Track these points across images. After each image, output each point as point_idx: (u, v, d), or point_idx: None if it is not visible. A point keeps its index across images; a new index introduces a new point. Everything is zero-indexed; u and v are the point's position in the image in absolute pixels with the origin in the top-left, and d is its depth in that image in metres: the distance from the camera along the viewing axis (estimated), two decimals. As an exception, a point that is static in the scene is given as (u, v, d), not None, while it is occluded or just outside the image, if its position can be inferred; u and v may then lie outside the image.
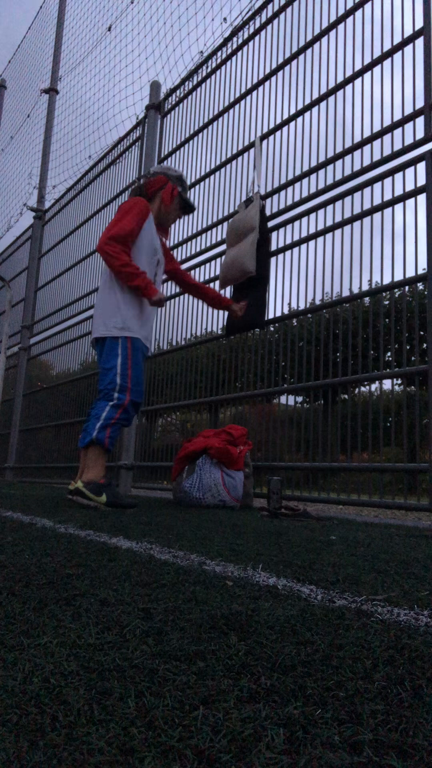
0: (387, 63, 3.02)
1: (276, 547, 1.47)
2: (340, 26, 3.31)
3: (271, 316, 3.50)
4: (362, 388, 3.19)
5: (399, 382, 3.12)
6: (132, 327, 2.81)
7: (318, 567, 1.20)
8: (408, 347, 2.81)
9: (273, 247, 3.57)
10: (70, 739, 0.43)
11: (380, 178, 2.95)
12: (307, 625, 0.75)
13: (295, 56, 3.62)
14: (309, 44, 3.50)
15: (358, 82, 3.16)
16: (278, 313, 3.47)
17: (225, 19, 4.35)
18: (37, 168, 8.02)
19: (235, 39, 4.21)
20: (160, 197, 3.02)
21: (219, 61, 4.34)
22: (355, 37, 3.20)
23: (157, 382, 4.61)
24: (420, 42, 2.84)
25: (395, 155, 2.88)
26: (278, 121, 3.67)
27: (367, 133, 3.05)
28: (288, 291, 3.43)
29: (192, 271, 4.36)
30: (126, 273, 2.75)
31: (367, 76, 3.11)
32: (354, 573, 1.14)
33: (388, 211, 2.90)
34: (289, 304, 3.45)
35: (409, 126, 2.83)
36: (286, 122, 3.61)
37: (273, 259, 3.56)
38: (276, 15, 3.81)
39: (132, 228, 2.80)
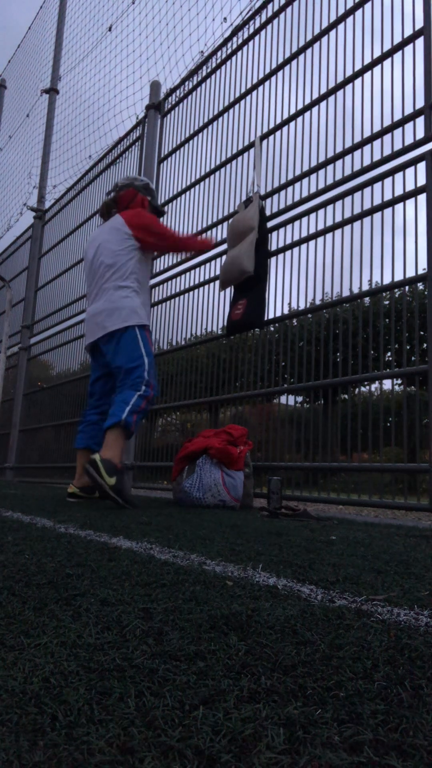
0: (387, 63, 3.02)
1: (276, 547, 1.47)
2: (340, 26, 3.31)
3: (271, 316, 3.50)
4: (362, 388, 3.19)
5: (399, 382, 3.12)
6: (146, 318, 3.04)
7: (318, 567, 1.20)
8: (408, 347, 2.81)
9: (273, 247, 3.57)
10: (70, 739, 0.43)
11: (380, 178, 2.94)
12: (307, 625, 0.75)
13: (295, 56, 3.62)
14: (309, 44, 3.50)
15: (358, 82, 3.16)
16: (278, 313, 3.47)
17: (225, 18, 4.35)
18: (37, 168, 8.02)
19: (235, 39, 4.21)
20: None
21: (219, 61, 4.34)
22: (354, 37, 3.20)
23: (158, 382, 4.61)
24: (420, 42, 2.84)
25: (395, 155, 2.88)
26: (278, 120, 3.67)
27: (367, 133, 3.04)
28: (288, 291, 3.43)
29: (192, 272, 4.36)
30: (183, 244, 3.26)
31: (367, 75, 3.11)
32: (354, 573, 1.14)
33: (388, 211, 2.90)
34: (289, 304, 3.45)
35: (409, 126, 2.83)
36: (286, 122, 3.61)
37: (273, 259, 3.55)
38: (276, 15, 3.81)
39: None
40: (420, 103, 2.78)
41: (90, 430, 3.12)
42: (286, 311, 3.46)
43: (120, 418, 2.68)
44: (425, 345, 2.63)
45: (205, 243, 3.34)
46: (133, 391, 2.79)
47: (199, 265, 4.27)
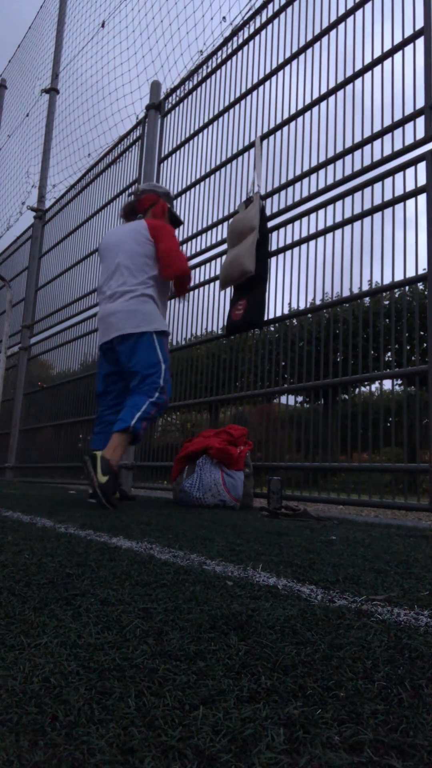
0: (387, 63, 3.02)
1: (276, 547, 1.47)
2: (340, 26, 3.31)
3: (271, 316, 3.50)
4: (362, 388, 3.19)
5: (399, 382, 3.12)
6: (164, 325, 3.02)
7: (318, 567, 1.20)
8: (408, 347, 2.81)
9: (273, 247, 3.57)
10: (70, 739, 0.43)
11: (380, 178, 2.94)
12: (307, 625, 0.75)
13: (295, 56, 3.62)
14: (309, 44, 3.50)
15: (358, 81, 3.16)
16: (278, 313, 3.47)
17: (224, 18, 4.35)
18: (35, 166, 8.02)
19: (235, 39, 4.21)
20: (151, 214, 3.24)
21: (219, 61, 4.35)
22: (355, 37, 3.20)
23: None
24: (420, 42, 2.84)
25: (395, 155, 2.88)
26: (278, 120, 3.67)
27: (367, 133, 3.04)
28: (288, 291, 3.43)
29: (192, 271, 4.36)
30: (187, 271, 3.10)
31: (368, 75, 3.11)
32: (354, 573, 1.14)
33: (388, 211, 2.90)
34: (289, 304, 3.45)
35: (409, 126, 2.83)
36: (286, 122, 3.61)
37: (273, 259, 3.55)
38: (276, 15, 3.81)
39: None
40: (420, 103, 2.78)
41: (109, 431, 3.04)
42: (286, 311, 3.46)
43: (129, 424, 2.69)
44: (425, 345, 2.63)
45: (185, 287, 3.22)
46: (145, 397, 2.79)
47: (199, 265, 4.27)
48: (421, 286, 2.71)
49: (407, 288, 2.78)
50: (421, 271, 2.66)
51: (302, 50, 3.56)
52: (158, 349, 2.91)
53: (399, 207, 2.84)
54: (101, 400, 3.16)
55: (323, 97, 3.36)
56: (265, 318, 3.51)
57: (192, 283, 4.34)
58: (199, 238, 4.32)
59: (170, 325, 4.53)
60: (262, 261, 3.48)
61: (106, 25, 6.45)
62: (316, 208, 3.30)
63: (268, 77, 3.83)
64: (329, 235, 3.20)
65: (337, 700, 0.52)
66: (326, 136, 3.29)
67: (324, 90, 3.36)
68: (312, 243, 3.31)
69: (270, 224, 3.60)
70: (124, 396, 3.05)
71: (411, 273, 2.70)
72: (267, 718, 0.47)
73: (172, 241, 3.06)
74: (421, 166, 2.73)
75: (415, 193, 2.75)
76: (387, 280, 2.85)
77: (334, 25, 3.35)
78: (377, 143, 2.99)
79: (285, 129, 3.62)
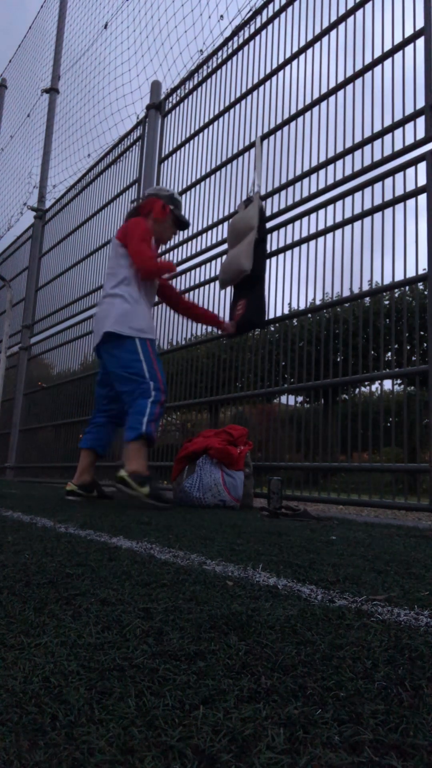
0: (387, 63, 3.02)
1: (276, 547, 1.47)
2: (341, 26, 3.31)
3: (271, 316, 3.50)
4: (362, 389, 3.19)
5: (399, 382, 3.12)
6: (149, 330, 2.95)
7: (318, 567, 1.20)
8: (408, 347, 2.81)
9: (273, 247, 3.57)
10: (70, 739, 0.43)
11: (380, 178, 2.94)
12: (307, 625, 0.75)
13: (295, 56, 3.62)
14: (309, 44, 3.50)
15: (358, 82, 3.16)
16: (278, 313, 3.47)
17: (222, 16, 4.35)
18: (38, 167, 8.02)
19: (235, 39, 4.21)
20: (152, 216, 3.15)
21: (219, 61, 4.35)
22: (355, 36, 3.20)
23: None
24: (420, 42, 2.84)
25: (395, 155, 2.88)
26: (278, 120, 3.67)
27: (367, 133, 3.04)
28: (288, 291, 3.43)
29: (192, 271, 4.36)
30: (157, 269, 3.00)
31: (368, 75, 3.11)
32: (354, 573, 1.14)
33: (388, 212, 2.90)
34: (290, 304, 3.45)
35: (409, 126, 2.83)
36: (286, 122, 3.61)
37: (274, 259, 3.55)
38: (276, 15, 3.81)
39: (147, 230, 3.02)
40: (420, 103, 2.78)
41: (96, 432, 3.10)
42: (286, 311, 3.46)
43: (141, 431, 2.66)
44: (425, 345, 2.63)
45: (168, 265, 3.12)
46: (145, 399, 2.74)
47: (199, 265, 4.27)
48: (421, 286, 2.71)
49: (407, 288, 2.78)
50: (421, 271, 2.66)
51: (302, 50, 3.56)
52: (140, 350, 2.85)
53: (399, 207, 2.84)
54: (96, 401, 3.20)
55: (323, 97, 3.36)
56: (266, 318, 3.50)
57: (193, 282, 4.34)
58: (199, 238, 4.32)
59: (170, 324, 4.53)
60: (259, 260, 3.48)
61: (103, 26, 6.45)
62: (316, 208, 3.30)
63: (268, 77, 3.83)
64: (329, 235, 3.20)
65: (337, 700, 0.52)
66: (326, 136, 3.29)
67: (324, 90, 3.36)
68: (312, 243, 3.31)
69: (270, 224, 3.60)
70: (115, 402, 3.07)
71: (411, 273, 2.71)
72: (267, 718, 0.47)
73: (135, 242, 2.95)
74: (422, 166, 2.73)
75: (415, 193, 2.75)
76: (387, 280, 2.85)
77: (334, 26, 3.35)
78: (377, 143, 2.99)
79: (285, 129, 3.62)
